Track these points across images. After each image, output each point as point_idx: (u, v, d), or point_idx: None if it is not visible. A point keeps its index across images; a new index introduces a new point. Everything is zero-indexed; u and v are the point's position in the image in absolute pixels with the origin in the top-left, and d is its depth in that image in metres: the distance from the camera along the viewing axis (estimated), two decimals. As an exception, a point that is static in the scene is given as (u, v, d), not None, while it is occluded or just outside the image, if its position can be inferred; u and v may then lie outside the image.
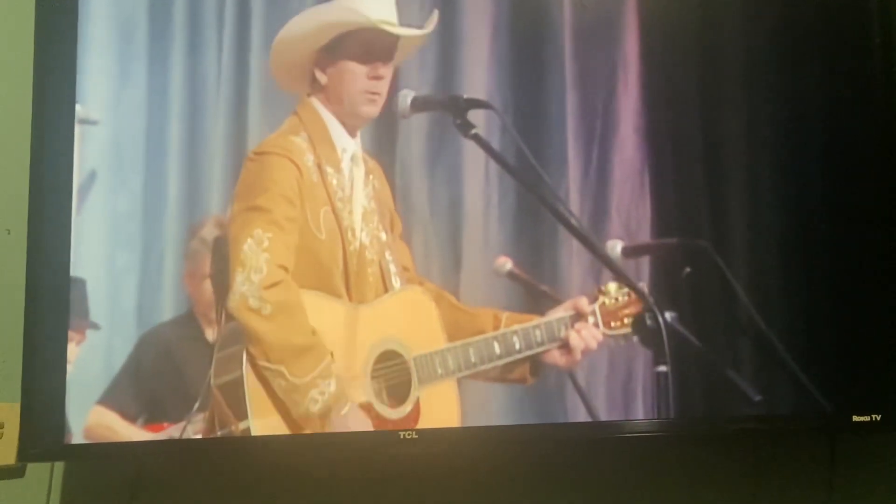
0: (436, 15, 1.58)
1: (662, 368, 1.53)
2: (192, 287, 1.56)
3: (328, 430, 1.49)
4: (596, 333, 1.55)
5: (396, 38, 1.57)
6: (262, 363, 1.48)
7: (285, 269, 1.50)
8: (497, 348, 1.54)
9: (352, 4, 1.56)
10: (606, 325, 1.55)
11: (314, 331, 1.50)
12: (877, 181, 1.54)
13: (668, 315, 1.54)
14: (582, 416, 1.54)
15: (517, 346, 1.55)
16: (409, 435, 1.51)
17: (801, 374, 1.51)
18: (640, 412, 1.54)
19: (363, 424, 1.51)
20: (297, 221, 1.52)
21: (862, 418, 1.48)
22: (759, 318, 1.52)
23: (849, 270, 1.53)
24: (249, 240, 1.50)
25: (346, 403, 1.50)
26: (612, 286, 1.56)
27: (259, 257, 1.49)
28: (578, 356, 1.55)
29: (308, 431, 1.49)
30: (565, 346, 1.55)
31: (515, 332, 1.55)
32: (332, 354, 1.50)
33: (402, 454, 1.54)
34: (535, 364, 1.56)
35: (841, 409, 1.49)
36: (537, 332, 1.55)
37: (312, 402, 1.48)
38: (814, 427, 1.53)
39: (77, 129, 1.57)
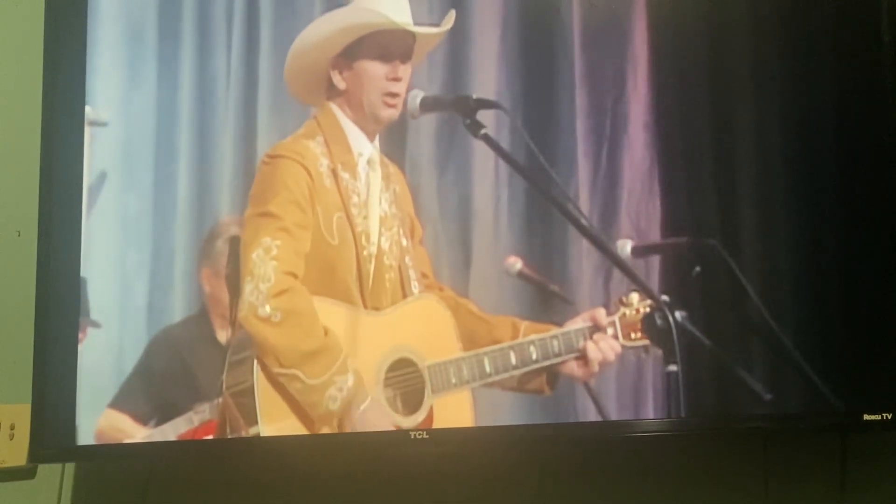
0: (452, 14, 1.58)
1: (673, 368, 1.53)
2: (212, 287, 1.56)
3: (348, 427, 1.49)
4: (614, 345, 1.54)
5: (414, 38, 1.57)
6: (277, 370, 1.48)
7: (294, 275, 1.50)
8: (513, 358, 1.54)
9: (370, 6, 1.56)
10: (626, 336, 1.55)
11: (327, 331, 1.50)
12: (887, 179, 1.54)
13: (678, 314, 1.54)
14: (592, 415, 1.54)
15: (534, 357, 1.54)
16: (420, 435, 1.51)
17: (812, 373, 1.51)
18: (651, 412, 1.54)
19: (383, 417, 1.50)
20: (307, 227, 1.52)
21: (873, 417, 1.48)
22: (770, 316, 1.52)
23: (859, 269, 1.53)
24: (258, 249, 1.50)
25: (365, 398, 1.50)
26: (635, 297, 1.55)
27: (267, 266, 1.49)
28: (596, 368, 1.54)
29: (326, 431, 1.49)
30: (583, 358, 1.54)
31: (532, 343, 1.54)
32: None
33: (414, 454, 1.54)
34: (553, 375, 1.55)
35: (852, 408, 1.49)
36: (555, 343, 1.54)
37: (331, 400, 1.48)
38: (825, 426, 1.53)
39: (87, 130, 1.57)
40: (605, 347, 1.54)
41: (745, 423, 1.53)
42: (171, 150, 1.59)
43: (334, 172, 1.55)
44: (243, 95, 1.59)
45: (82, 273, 1.55)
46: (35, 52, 1.57)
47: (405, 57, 1.58)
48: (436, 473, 1.62)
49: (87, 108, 1.58)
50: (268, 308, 1.48)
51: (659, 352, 1.54)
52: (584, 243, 1.56)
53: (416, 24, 1.57)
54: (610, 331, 1.55)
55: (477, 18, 1.61)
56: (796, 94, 1.57)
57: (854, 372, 1.51)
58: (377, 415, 1.50)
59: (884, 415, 1.48)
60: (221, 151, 1.58)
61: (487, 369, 1.53)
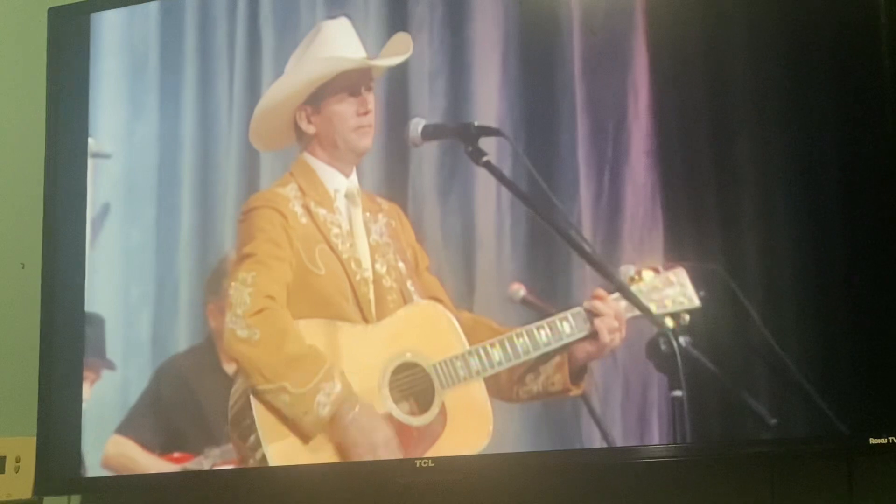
0: (403, 38, 1.59)
1: (677, 393, 1.52)
2: (218, 322, 1.57)
3: (340, 435, 1.50)
4: (616, 306, 1.52)
5: (370, 67, 1.60)
6: (263, 387, 1.49)
7: (271, 297, 1.52)
8: (522, 345, 1.54)
9: (328, 53, 1.58)
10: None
11: (310, 345, 1.51)
12: (891, 202, 1.53)
13: (682, 339, 1.54)
14: (597, 441, 1.54)
15: (544, 339, 1.53)
16: (425, 463, 1.51)
17: (817, 397, 1.50)
18: (656, 437, 1.53)
19: (375, 423, 1.51)
20: (284, 260, 1.54)
21: (879, 440, 1.47)
22: (774, 340, 1.52)
23: (864, 291, 1.52)
24: (235, 283, 1.52)
25: (355, 405, 1.50)
26: (649, 275, 1.54)
27: (243, 293, 1.51)
28: (606, 338, 1.52)
29: (320, 439, 1.49)
30: (593, 335, 1.53)
31: (542, 326, 1.54)
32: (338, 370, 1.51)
33: (419, 482, 1.53)
34: (575, 370, 1.54)
35: (858, 432, 1.48)
36: (565, 325, 1.54)
37: (320, 406, 1.49)
38: (830, 450, 1.52)
39: (90, 162, 1.58)
40: (607, 310, 1.51)
41: (750, 448, 1.52)
42: (174, 181, 1.60)
43: (308, 210, 1.56)
44: (246, 126, 1.60)
45: (98, 312, 1.55)
46: (38, 84, 1.58)
47: (368, 86, 1.60)
48: (441, 500, 1.62)
49: (90, 141, 1.59)
50: (245, 328, 1.49)
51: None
52: (588, 269, 1.56)
53: (368, 51, 1.60)
54: (623, 304, 1.54)
55: (477, 46, 1.62)
56: (799, 119, 1.57)
57: (859, 395, 1.50)
58: (368, 419, 1.51)
59: (890, 438, 1.47)
60: (225, 182, 1.60)
61: (496, 358, 1.53)
